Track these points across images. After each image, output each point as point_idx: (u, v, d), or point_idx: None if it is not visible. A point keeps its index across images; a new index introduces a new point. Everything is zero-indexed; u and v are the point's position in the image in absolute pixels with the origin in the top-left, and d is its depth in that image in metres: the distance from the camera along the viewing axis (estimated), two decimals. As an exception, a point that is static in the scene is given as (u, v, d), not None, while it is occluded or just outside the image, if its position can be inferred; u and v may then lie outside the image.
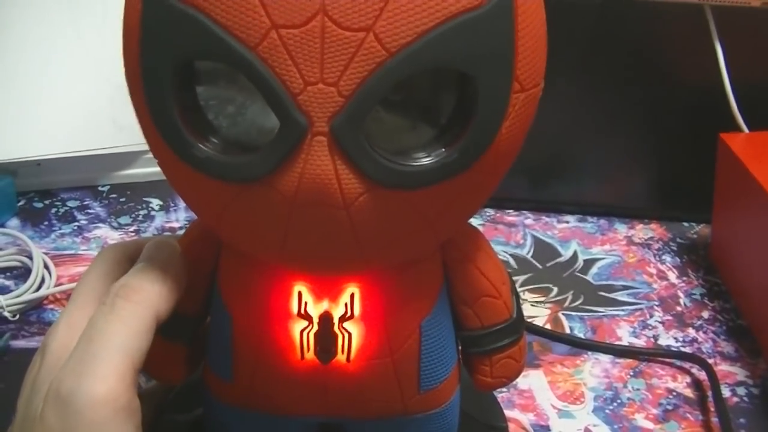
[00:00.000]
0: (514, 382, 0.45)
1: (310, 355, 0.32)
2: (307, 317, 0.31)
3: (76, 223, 0.59)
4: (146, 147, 0.29)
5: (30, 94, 0.62)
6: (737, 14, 0.54)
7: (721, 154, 0.54)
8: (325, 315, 0.31)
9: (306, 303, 0.31)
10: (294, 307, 0.31)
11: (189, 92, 0.27)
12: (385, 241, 0.28)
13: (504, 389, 0.44)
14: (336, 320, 0.31)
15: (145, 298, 0.30)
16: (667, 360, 0.47)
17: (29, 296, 0.50)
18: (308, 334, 0.31)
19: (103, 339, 0.29)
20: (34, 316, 0.50)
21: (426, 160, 0.27)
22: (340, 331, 0.31)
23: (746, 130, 0.55)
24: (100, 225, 0.59)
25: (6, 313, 0.49)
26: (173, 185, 0.30)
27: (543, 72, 0.29)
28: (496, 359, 0.34)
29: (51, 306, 0.51)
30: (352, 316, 0.31)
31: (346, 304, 0.31)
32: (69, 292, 0.51)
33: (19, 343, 0.48)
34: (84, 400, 0.27)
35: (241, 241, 0.30)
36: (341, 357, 0.32)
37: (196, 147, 0.27)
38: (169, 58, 0.26)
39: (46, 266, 0.54)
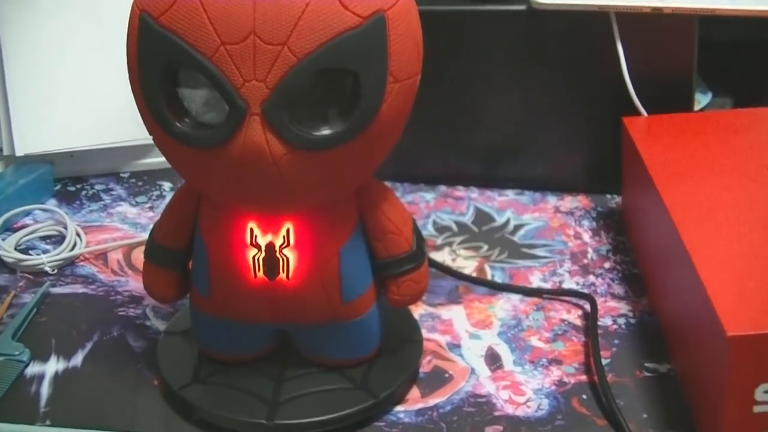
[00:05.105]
0: (438, 314, 0.58)
1: (260, 274, 0.45)
2: (257, 246, 0.44)
3: (102, 202, 0.72)
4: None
5: (64, 96, 0.75)
6: (635, 19, 0.66)
7: (624, 135, 0.66)
8: (269, 244, 0.44)
9: (256, 236, 0.44)
10: (248, 239, 0.44)
11: (170, 88, 0.40)
12: (305, 188, 0.41)
13: (429, 319, 0.56)
14: (277, 248, 0.44)
15: None
16: (564, 298, 0.59)
17: (65, 255, 0.63)
18: (258, 258, 0.44)
19: None
20: (68, 271, 0.63)
21: (327, 131, 0.40)
22: (281, 256, 0.44)
23: (645, 114, 0.67)
24: (122, 203, 0.72)
25: (47, 268, 0.62)
26: (163, 153, 0.43)
27: (417, 68, 0.42)
28: (401, 281, 0.47)
29: (82, 263, 0.64)
30: (288, 245, 0.44)
31: (284, 236, 0.44)
32: (96, 253, 0.65)
33: (57, 290, 0.61)
34: None
35: (209, 191, 0.43)
36: (283, 275, 0.44)
37: (175, 125, 0.40)
38: (156, 65, 0.39)
39: (78, 234, 0.67)
